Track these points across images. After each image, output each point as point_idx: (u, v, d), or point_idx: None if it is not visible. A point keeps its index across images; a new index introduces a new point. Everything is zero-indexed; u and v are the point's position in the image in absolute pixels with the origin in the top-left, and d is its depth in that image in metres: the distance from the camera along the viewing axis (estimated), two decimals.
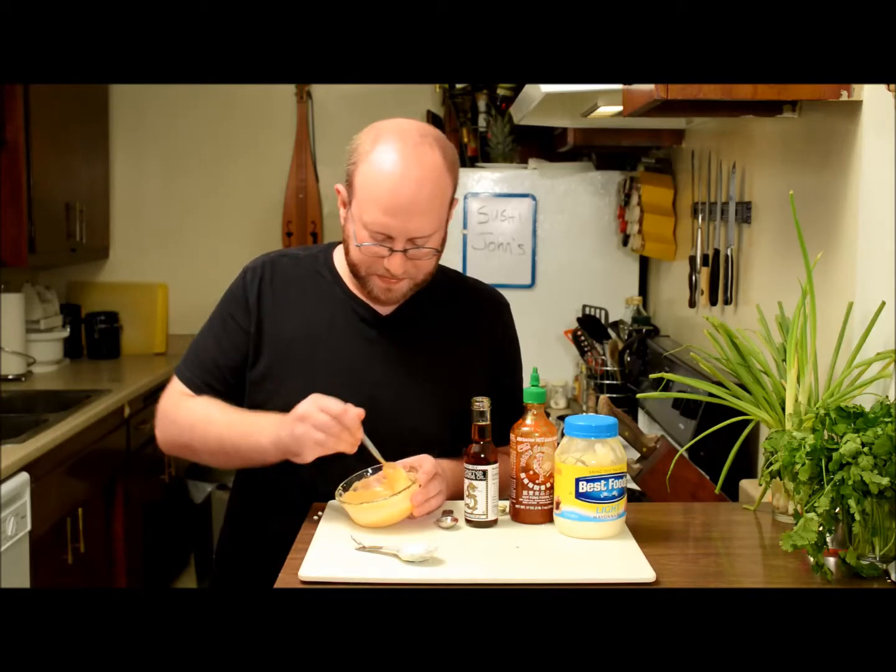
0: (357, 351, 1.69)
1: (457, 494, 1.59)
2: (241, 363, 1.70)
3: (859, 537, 1.34)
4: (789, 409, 1.59)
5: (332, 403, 1.50)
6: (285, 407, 1.67)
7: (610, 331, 3.32)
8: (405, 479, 1.54)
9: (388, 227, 1.56)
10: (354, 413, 1.50)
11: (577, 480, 1.47)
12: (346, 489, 1.57)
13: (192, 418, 1.68)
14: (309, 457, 1.52)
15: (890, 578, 1.35)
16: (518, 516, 1.56)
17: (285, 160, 4.30)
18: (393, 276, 1.60)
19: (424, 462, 1.56)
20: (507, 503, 1.58)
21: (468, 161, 3.83)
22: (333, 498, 1.59)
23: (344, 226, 1.66)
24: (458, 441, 1.63)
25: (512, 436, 1.55)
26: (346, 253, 1.66)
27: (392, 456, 1.61)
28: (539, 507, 1.54)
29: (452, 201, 1.66)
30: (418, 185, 1.56)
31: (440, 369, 1.71)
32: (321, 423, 1.49)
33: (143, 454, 3.67)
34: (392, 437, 1.66)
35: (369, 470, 1.60)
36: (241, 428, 1.62)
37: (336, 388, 1.66)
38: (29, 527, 2.61)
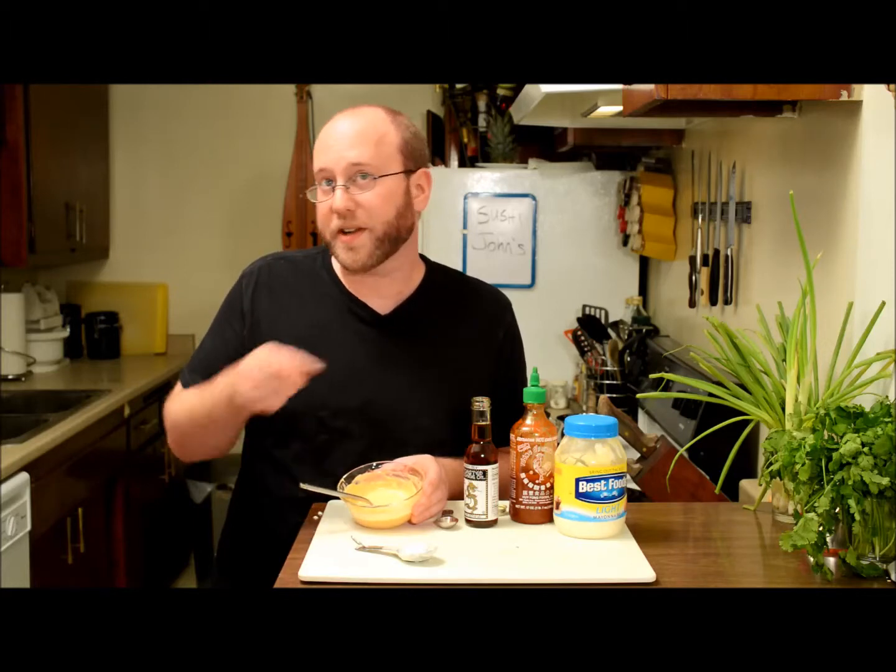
0: (356, 351, 1.69)
1: (457, 494, 1.59)
2: None
3: (859, 537, 1.34)
4: (789, 409, 1.59)
5: (270, 359, 1.50)
6: (284, 409, 1.67)
7: (610, 331, 3.32)
8: (410, 487, 1.54)
9: (325, 163, 1.62)
10: (290, 367, 1.49)
11: (577, 480, 1.47)
12: (348, 481, 1.57)
13: (177, 407, 1.70)
14: (257, 409, 1.53)
15: (890, 578, 1.35)
16: (518, 516, 1.56)
17: (285, 160, 4.30)
18: (339, 215, 1.61)
19: (429, 469, 1.55)
20: (507, 503, 1.58)
21: (468, 161, 3.83)
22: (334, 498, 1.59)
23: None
24: (459, 441, 1.63)
25: (512, 436, 1.55)
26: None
27: (393, 455, 1.61)
28: (539, 507, 1.54)
29: (412, 161, 1.67)
30: (350, 124, 1.64)
31: (441, 369, 1.71)
32: (257, 380, 1.49)
33: (143, 454, 3.67)
34: (393, 437, 1.66)
35: (374, 464, 1.60)
36: (204, 394, 1.62)
37: (335, 389, 1.66)
38: (29, 527, 2.61)
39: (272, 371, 1.49)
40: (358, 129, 1.63)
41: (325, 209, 1.64)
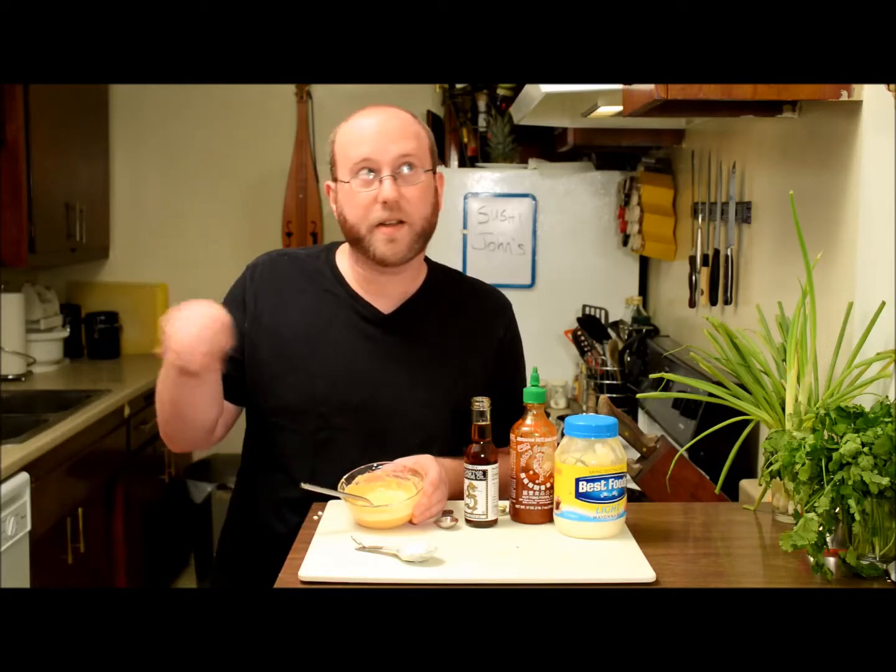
0: (358, 349, 1.69)
1: (457, 494, 1.59)
2: (240, 357, 1.69)
3: (859, 537, 1.34)
4: (789, 409, 1.59)
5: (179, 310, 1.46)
6: (284, 405, 1.68)
7: (610, 331, 3.32)
8: (410, 488, 1.54)
9: (370, 154, 1.62)
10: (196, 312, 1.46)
11: (577, 480, 1.47)
12: (348, 482, 1.57)
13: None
14: (172, 360, 1.47)
15: (890, 578, 1.35)
16: (518, 516, 1.56)
17: (285, 160, 4.29)
18: (388, 205, 1.60)
19: (429, 469, 1.55)
20: (507, 503, 1.58)
21: (468, 161, 3.83)
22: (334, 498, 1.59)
23: (337, 210, 1.68)
24: (459, 440, 1.63)
25: (512, 436, 1.55)
26: (345, 226, 1.67)
27: (393, 454, 1.61)
28: (539, 507, 1.54)
29: (435, 164, 1.69)
30: (388, 118, 1.66)
31: (442, 368, 1.71)
32: (169, 326, 1.46)
33: (143, 454, 3.67)
34: (393, 436, 1.67)
35: (374, 465, 1.60)
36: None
37: (336, 386, 1.67)
38: (29, 527, 2.61)
39: (178, 313, 1.45)
40: (398, 123, 1.65)
41: (366, 199, 1.62)
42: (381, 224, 1.62)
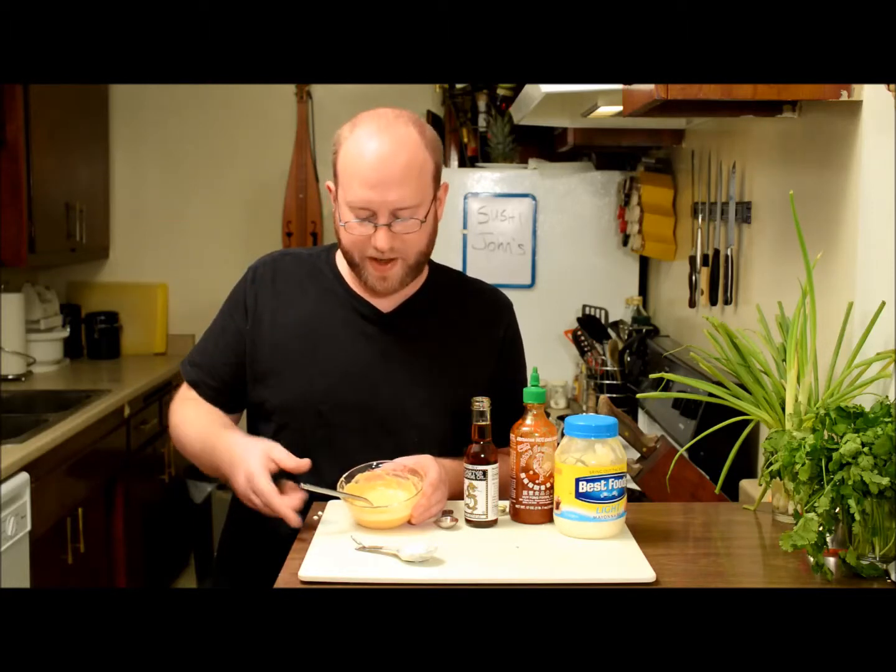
0: (357, 348, 1.69)
1: (457, 494, 1.59)
2: (239, 362, 1.72)
3: (859, 537, 1.34)
4: (789, 409, 1.59)
5: (267, 489, 1.52)
6: (284, 404, 1.68)
7: (610, 331, 3.32)
8: (410, 487, 1.54)
9: (368, 202, 1.58)
10: (283, 505, 1.52)
11: (577, 480, 1.47)
12: (348, 481, 1.57)
13: (182, 428, 1.75)
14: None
15: (890, 578, 1.34)
16: (518, 516, 1.56)
17: (285, 160, 4.29)
18: (381, 252, 1.61)
19: (429, 469, 1.55)
20: (507, 503, 1.58)
21: (468, 161, 3.83)
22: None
23: (335, 221, 1.67)
24: (459, 439, 1.63)
25: (512, 436, 1.55)
26: (339, 242, 1.67)
27: (392, 454, 1.61)
28: (539, 507, 1.54)
29: (438, 180, 1.68)
30: (394, 156, 1.58)
31: (441, 367, 1.71)
32: (241, 485, 1.55)
33: (143, 454, 3.67)
34: (392, 435, 1.67)
35: (374, 463, 1.60)
36: (206, 442, 1.68)
37: (336, 384, 1.67)
38: (29, 527, 2.61)
39: (253, 487, 1.53)
40: (402, 163, 1.58)
41: (362, 236, 1.61)
42: (373, 258, 1.63)
